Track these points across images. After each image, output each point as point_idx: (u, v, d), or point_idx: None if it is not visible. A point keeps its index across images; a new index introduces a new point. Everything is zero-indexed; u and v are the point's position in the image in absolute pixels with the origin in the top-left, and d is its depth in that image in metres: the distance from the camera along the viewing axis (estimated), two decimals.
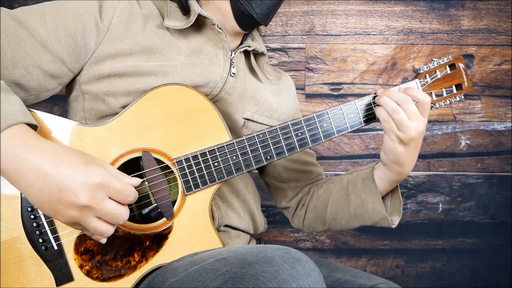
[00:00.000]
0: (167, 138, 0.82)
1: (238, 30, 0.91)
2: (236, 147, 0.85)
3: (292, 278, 0.64)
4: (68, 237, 0.77)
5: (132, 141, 0.80)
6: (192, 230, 0.84)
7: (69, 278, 0.77)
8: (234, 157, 0.85)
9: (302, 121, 0.88)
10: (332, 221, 1.03)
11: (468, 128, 1.67)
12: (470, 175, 1.69)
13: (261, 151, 0.86)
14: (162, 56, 0.85)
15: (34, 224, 0.75)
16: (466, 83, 0.96)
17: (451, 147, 1.68)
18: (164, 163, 0.82)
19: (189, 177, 0.82)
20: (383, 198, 0.97)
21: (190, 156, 0.82)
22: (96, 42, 0.82)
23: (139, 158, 0.81)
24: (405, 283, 1.73)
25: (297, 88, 1.59)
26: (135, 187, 0.72)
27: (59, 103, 1.59)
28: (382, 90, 0.90)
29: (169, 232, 0.82)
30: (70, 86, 0.88)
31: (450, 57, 0.95)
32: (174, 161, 0.82)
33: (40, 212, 0.75)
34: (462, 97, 0.97)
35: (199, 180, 0.83)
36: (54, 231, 0.76)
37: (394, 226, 0.96)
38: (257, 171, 1.13)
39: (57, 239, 0.76)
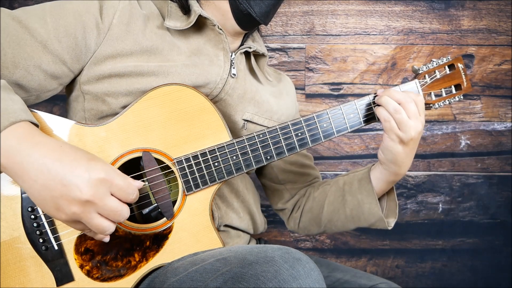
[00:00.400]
0: (167, 138, 0.82)
1: (238, 30, 0.91)
2: (236, 147, 0.85)
3: (292, 278, 0.64)
4: (68, 237, 0.77)
5: (132, 141, 0.80)
6: (192, 230, 0.84)
7: (69, 278, 0.77)
8: (234, 157, 0.85)
9: (302, 121, 0.88)
10: (328, 223, 1.03)
11: (468, 128, 1.67)
12: (470, 175, 1.69)
13: (261, 151, 0.86)
14: (163, 57, 0.85)
15: (35, 224, 0.75)
16: (465, 83, 0.96)
17: (451, 147, 1.68)
18: (165, 163, 0.82)
19: (190, 177, 0.83)
20: (379, 200, 0.97)
21: (190, 156, 0.82)
22: (96, 43, 0.82)
23: (139, 158, 0.81)
24: (405, 283, 1.73)
25: (297, 88, 1.59)
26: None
27: (59, 103, 1.59)
28: (382, 90, 0.90)
29: (169, 232, 0.82)
30: (70, 86, 0.88)
31: (449, 57, 0.95)
32: (175, 161, 0.82)
33: (40, 212, 0.75)
34: (461, 97, 0.97)
35: (199, 180, 0.83)
36: (54, 231, 0.76)
37: (390, 228, 0.96)
38: (254, 172, 1.14)
39: (57, 239, 0.76)
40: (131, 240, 0.80)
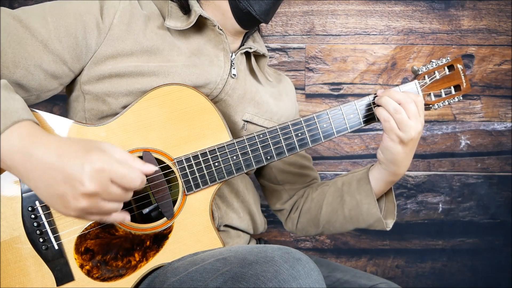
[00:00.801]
0: (167, 138, 0.82)
1: (239, 29, 0.91)
2: (237, 147, 0.85)
3: (292, 278, 0.64)
4: (68, 237, 0.77)
5: (132, 141, 0.80)
6: (193, 230, 0.84)
7: (69, 278, 0.77)
8: (234, 157, 0.85)
9: (302, 121, 0.88)
10: (326, 223, 1.02)
11: (468, 128, 1.67)
12: (470, 175, 1.69)
13: (261, 151, 0.86)
14: (163, 57, 0.85)
15: (35, 224, 0.75)
16: (464, 84, 0.96)
17: (451, 147, 1.68)
18: (165, 163, 0.82)
19: (190, 177, 0.83)
20: (378, 201, 0.97)
21: (190, 156, 0.82)
22: (97, 43, 0.82)
23: (140, 158, 0.81)
24: (405, 283, 1.73)
25: (297, 88, 1.59)
26: (150, 175, 0.70)
27: (59, 103, 1.59)
28: (382, 90, 0.90)
29: (170, 232, 0.83)
30: (70, 86, 0.88)
31: (448, 58, 0.96)
32: (175, 161, 0.82)
33: (40, 212, 0.75)
34: (461, 98, 0.97)
35: (199, 180, 0.83)
36: (54, 230, 0.76)
37: (388, 229, 0.96)
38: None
39: (57, 238, 0.76)
40: (131, 240, 0.80)
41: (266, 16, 0.89)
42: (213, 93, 0.90)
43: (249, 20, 0.89)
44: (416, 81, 0.94)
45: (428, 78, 0.95)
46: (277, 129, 0.87)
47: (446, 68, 0.96)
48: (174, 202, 0.83)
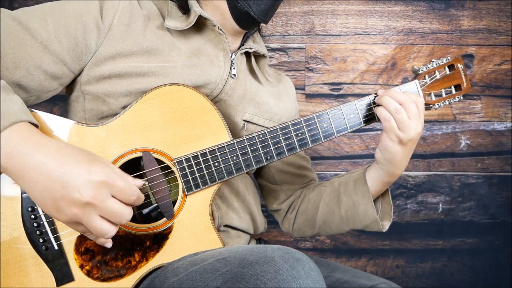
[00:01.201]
0: (167, 138, 0.82)
1: (238, 29, 0.91)
2: (237, 147, 0.85)
3: (292, 278, 0.64)
4: (68, 237, 0.77)
5: (132, 141, 0.80)
6: (193, 230, 0.84)
7: (69, 278, 0.77)
8: (234, 157, 0.85)
9: (302, 121, 0.88)
10: (322, 224, 1.02)
11: (468, 128, 1.67)
12: (470, 175, 1.69)
13: (261, 151, 0.86)
14: (163, 57, 0.85)
15: (35, 224, 0.75)
16: (465, 84, 0.96)
17: (451, 147, 1.68)
18: (165, 163, 0.82)
19: (190, 177, 0.83)
20: (374, 202, 0.97)
21: (190, 156, 0.82)
22: (97, 43, 0.82)
23: (139, 158, 0.81)
24: (405, 283, 1.73)
25: (297, 88, 1.59)
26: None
27: (59, 103, 1.59)
28: (383, 90, 0.90)
29: (170, 232, 0.82)
30: (70, 86, 0.88)
31: (449, 57, 0.95)
32: (175, 161, 0.82)
33: (40, 212, 0.75)
34: (461, 97, 0.97)
35: (199, 180, 0.83)
36: (54, 231, 0.76)
37: (384, 230, 0.96)
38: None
39: (57, 239, 0.76)
40: (131, 240, 0.80)
41: (265, 16, 0.89)
42: (213, 93, 0.90)
43: (247, 20, 0.89)
44: (416, 80, 0.94)
45: (429, 77, 0.95)
46: (277, 129, 0.87)
47: (446, 67, 0.96)
48: (174, 202, 0.83)
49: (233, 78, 0.92)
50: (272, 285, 0.62)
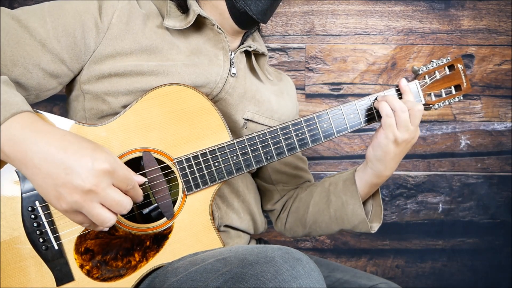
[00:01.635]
0: (167, 138, 0.82)
1: (237, 29, 0.91)
2: (237, 147, 0.85)
3: (293, 278, 0.64)
4: (68, 237, 0.77)
5: (132, 141, 0.80)
6: (193, 230, 0.84)
7: (69, 278, 0.77)
8: (234, 157, 0.85)
9: (302, 121, 0.88)
10: (312, 224, 1.02)
11: (468, 128, 1.67)
12: (470, 175, 1.69)
13: (261, 151, 0.86)
14: (162, 56, 0.85)
15: (35, 224, 0.75)
16: (464, 84, 0.96)
17: (451, 147, 1.68)
18: (165, 163, 0.82)
19: (190, 177, 0.83)
20: (365, 203, 0.97)
21: (190, 156, 0.82)
22: (96, 42, 0.82)
23: (139, 158, 0.81)
24: (405, 283, 1.73)
25: (297, 88, 1.59)
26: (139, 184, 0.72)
27: (59, 103, 1.59)
28: (382, 93, 0.91)
29: (170, 232, 0.82)
30: (70, 86, 0.88)
31: (449, 58, 0.95)
32: (175, 161, 0.82)
33: (40, 212, 0.75)
34: (461, 98, 0.97)
35: (199, 180, 0.83)
36: (54, 231, 0.76)
37: (373, 232, 0.96)
38: None
39: (57, 239, 0.76)
40: (131, 240, 0.80)
41: (264, 16, 0.89)
42: (213, 92, 0.90)
43: (246, 20, 0.89)
44: (416, 81, 0.94)
45: (429, 78, 0.95)
46: (277, 129, 0.87)
47: (446, 68, 0.96)
48: (174, 202, 0.83)
49: (233, 76, 0.92)
50: (272, 285, 0.62)
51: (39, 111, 0.76)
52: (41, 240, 0.75)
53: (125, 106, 0.83)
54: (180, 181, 0.82)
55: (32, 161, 0.64)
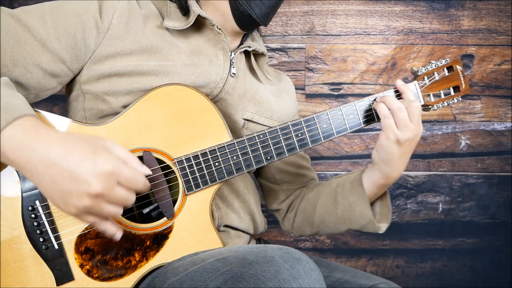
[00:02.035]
0: (168, 138, 0.82)
1: (238, 30, 0.91)
2: (237, 147, 0.85)
3: (292, 277, 0.64)
4: (68, 237, 0.77)
5: (133, 141, 0.80)
6: (193, 230, 0.84)
7: (69, 277, 0.77)
8: (234, 157, 0.85)
9: (302, 121, 0.88)
10: (320, 224, 1.03)
11: (468, 128, 1.67)
12: (470, 175, 1.69)
13: (261, 151, 0.86)
14: (162, 56, 0.86)
15: (35, 223, 0.75)
16: (463, 85, 0.96)
17: (451, 147, 1.68)
18: (165, 162, 0.82)
19: (190, 177, 0.83)
20: (373, 204, 0.98)
21: (190, 156, 0.83)
22: (96, 42, 0.82)
23: (140, 157, 0.81)
24: (405, 283, 1.73)
25: (297, 88, 1.59)
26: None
27: (59, 103, 1.59)
28: (382, 93, 0.91)
29: (170, 231, 0.83)
30: (70, 86, 0.88)
31: (448, 59, 0.96)
32: (175, 160, 0.82)
33: (41, 211, 0.75)
34: (460, 99, 0.97)
35: (199, 180, 0.83)
36: (54, 230, 0.76)
37: (380, 232, 0.96)
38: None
39: (57, 238, 0.76)
40: (131, 239, 0.80)
41: (266, 19, 0.89)
42: (213, 92, 0.90)
43: (249, 22, 0.89)
44: (415, 82, 0.94)
45: (428, 79, 0.95)
46: (277, 129, 0.87)
47: (445, 69, 0.96)
48: (174, 202, 0.83)
49: (233, 77, 0.92)
50: (272, 285, 0.62)
51: (40, 110, 0.76)
52: (41, 239, 0.75)
53: (125, 106, 0.83)
54: (180, 181, 0.82)
55: (36, 169, 0.64)
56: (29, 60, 0.77)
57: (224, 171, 0.84)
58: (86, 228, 0.77)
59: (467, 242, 1.72)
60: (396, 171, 0.91)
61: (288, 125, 0.87)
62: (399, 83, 0.91)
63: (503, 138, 1.68)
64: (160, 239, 0.82)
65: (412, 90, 0.93)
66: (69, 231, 0.77)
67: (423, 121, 1.66)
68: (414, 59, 1.64)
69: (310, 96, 1.65)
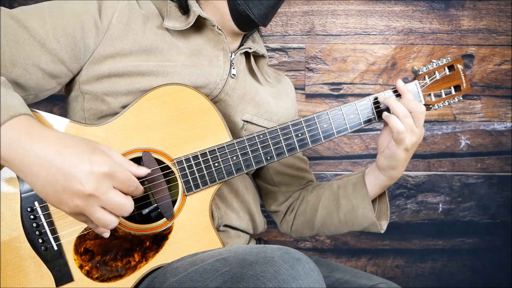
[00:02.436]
0: (167, 138, 0.82)
1: (237, 31, 0.91)
2: (237, 147, 0.85)
3: (292, 278, 0.64)
4: (68, 238, 0.77)
5: (132, 141, 0.80)
6: (192, 230, 0.84)
7: (68, 278, 0.77)
8: (234, 158, 0.85)
9: (302, 121, 0.88)
10: (321, 226, 1.03)
11: (468, 128, 1.67)
12: (470, 175, 1.69)
13: (261, 152, 0.86)
14: (162, 56, 0.85)
15: (34, 224, 0.74)
16: (464, 85, 0.96)
17: (451, 147, 1.68)
18: (165, 163, 0.82)
19: (190, 177, 0.82)
20: (372, 203, 0.98)
21: (190, 156, 0.82)
22: (95, 42, 0.81)
23: (139, 158, 0.81)
24: (405, 283, 1.73)
25: (297, 88, 1.59)
26: (142, 178, 0.72)
27: (59, 103, 1.59)
28: (383, 93, 0.91)
29: (169, 232, 0.82)
30: (69, 86, 0.87)
31: (449, 58, 0.95)
32: (175, 161, 0.82)
33: (40, 212, 0.75)
34: (461, 98, 0.97)
35: (199, 180, 0.83)
36: (54, 231, 0.76)
37: (382, 231, 0.97)
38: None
39: (57, 239, 0.76)
40: (130, 240, 0.80)
41: (265, 20, 0.89)
42: (213, 93, 0.89)
43: (247, 23, 0.89)
44: (416, 81, 0.94)
45: (428, 78, 0.95)
46: (277, 129, 0.87)
47: (446, 68, 0.96)
48: (174, 202, 0.83)
49: (232, 78, 0.92)
50: (272, 285, 0.62)
51: (38, 111, 0.76)
52: (40, 240, 0.75)
53: (124, 107, 0.83)
54: (180, 182, 0.82)
55: (30, 169, 0.64)
56: (28, 60, 0.77)
57: (224, 172, 0.84)
58: (85, 229, 0.77)
59: (467, 242, 1.72)
60: (400, 173, 0.93)
61: (288, 125, 0.87)
62: (400, 84, 0.91)
63: (503, 138, 1.68)
64: (159, 239, 0.82)
65: (412, 89, 0.93)
66: (68, 232, 0.77)
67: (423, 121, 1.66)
68: (414, 59, 1.64)
69: (310, 96, 1.65)
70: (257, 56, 1.00)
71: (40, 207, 0.75)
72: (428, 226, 1.71)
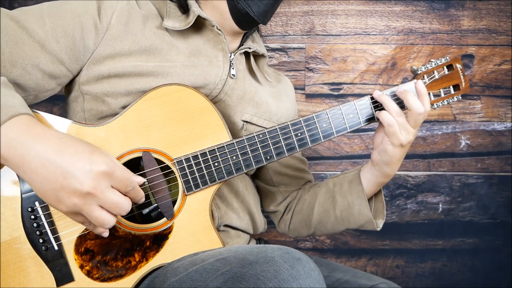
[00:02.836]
0: (167, 138, 0.82)
1: (237, 30, 0.91)
2: (236, 147, 0.85)
3: (292, 278, 0.64)
4: (68, 237, 0.77)
5: (132, 141, 0.80)
6: (192, 230, 0.84)
7: (69, 278, 0.77)
8: (234, 157, 0.85)
9: (301, 121, 0.88)
10: (317, 224, 1.03)
11: (468, 128, 1.67)
12: (470, 175, 1.69)
13: (261, 151, 0.86)
14: (162, 57, 0.85)
15: (35, 225, 0.75)
16: (463, 84, 0.96)
17: (451, 147, 1.68)
18: (165, 163, 0.82)
19: (189, 177, 0.83)
20: (369, 201, 0.98)
21: (190, 156, 0.82)
22: (95, 43, 0.82)
23: (139, 158, 0.81)
24: (405, 283, 1.73)
25: (297, 88, 1.59)
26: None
27: (59, 103, 1.59)
28: (379, 92, 0.91)
29: (170, 232, 0.83)
30: (69, 86, 0.88)
31: (448, 57, 0.96)
32: (174, 161, 0.82)
33: (40, 212, 0.75)
34: (460, 97, 0.97)
35: (199, 180, 0.83)
36: (54, 231, 0.76)
37: (378, 229, 0.97)
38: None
39: (57, 239, 0.76)
40: (131, 240, 0.80)
41: (264, 17, 0.89)
42: (212, 94, 0.90)
43: (247, 21, 0.89)
44: (415, 80, 0.94)
45: (427, 77, 0.95)
46: (276, 129, 0.87)
47: (445, 67, 0.96)
48: (174, 202, 0.83)
49: (232, 78, 0.92)
50: (272, 285, 0.62)
51: (38, 111, 0.76)
52: (41, 240, 0.75)
53: (124, 107, 0.83)
54: (180, 181, 0.82)
55: (29, 166, 0.64)
56: (28, 61, 0.77)
57: (224, 171, 0.84)
58: (86, 229, 0.77)
59: (467, 242, 1.72)
60: (395, 170, 0.93)
61: (288, 124, 0.87)
62: (400, 89, 0.91)
63: (503, 138, 1.68)
64: (160, 239, 0.82)
65: (411, 89, 0.93)
66: (69, 232, 0.77)
67: (423, 121, 1.66)
68: (414, 59, 1.64)
69: (310, 96, 1.65)
70: (257, 56, 1.00)
71: (41, 207, 0.75)
72: (428, 226, 1.71)
